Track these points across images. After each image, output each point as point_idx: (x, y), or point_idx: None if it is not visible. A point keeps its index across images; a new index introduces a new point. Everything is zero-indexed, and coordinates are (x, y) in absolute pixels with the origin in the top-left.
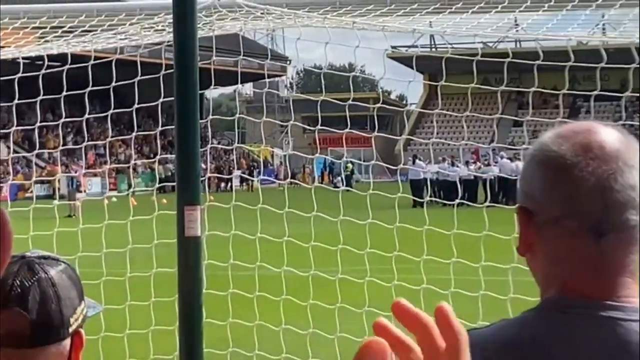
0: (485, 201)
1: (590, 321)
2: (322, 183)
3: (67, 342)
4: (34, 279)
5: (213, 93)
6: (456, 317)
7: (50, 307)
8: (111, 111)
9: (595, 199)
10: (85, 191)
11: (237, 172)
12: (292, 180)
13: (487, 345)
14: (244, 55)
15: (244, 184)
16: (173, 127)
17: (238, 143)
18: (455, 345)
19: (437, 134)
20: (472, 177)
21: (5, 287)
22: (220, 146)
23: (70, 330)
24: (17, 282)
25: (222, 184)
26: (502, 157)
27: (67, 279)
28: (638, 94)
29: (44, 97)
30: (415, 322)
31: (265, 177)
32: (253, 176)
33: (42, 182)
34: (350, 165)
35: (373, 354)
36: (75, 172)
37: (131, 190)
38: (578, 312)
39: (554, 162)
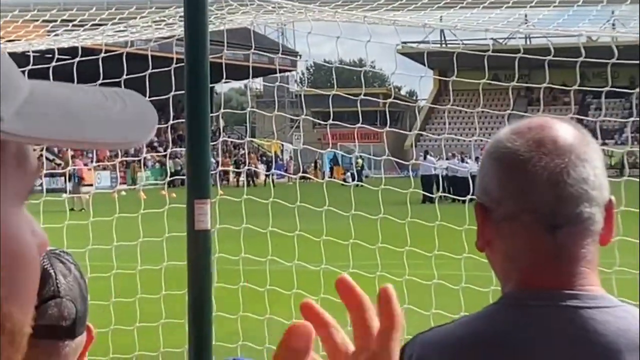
0: None
1: (549, 311)
2: (332, 178)
3: (84, 336)
4: (68, 271)
5: (223, 88)
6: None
7: (85, 299)
8: None
9: (548, 192)
10: (92, 184)
11: (260, 166)
12: (303, 174)
13: (450, 342)
14: (254, 50)
15: (256, 178)
16: (183, 120)
17: (248, 137)
18: (390, 327)
19: (447, 130)
20: None
21: (48, 278)
22: (230, 139)
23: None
24: (55, 274)
25: (237, 178)
26: None
27: (79, 273)
28: None
29: None
30: (356, 299)
31: (278, 171)
32: (265, 171)
33: (51, 175)
34: (360, 160)
35: (299, 336)
36: (75, 166)
37: (142, 184)
38: (537, 303)
39: (508, 157)
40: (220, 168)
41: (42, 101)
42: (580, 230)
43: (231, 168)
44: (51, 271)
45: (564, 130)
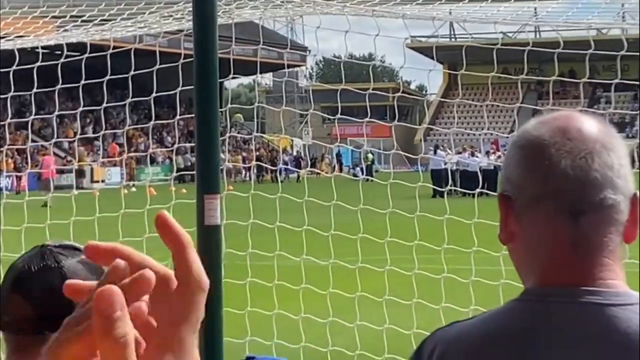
0: None
1: (571, 308)
2: (341, 172)
3: None
4: (42, 267)
5: (232, 84)
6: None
7: (56, 297)
8: (129, 99)
9: (571, 177)
10: (103, 180)
11: (285, 163)
12: (311, 169)
13: (471, 338)
14: (263, 45)
15: (265, 173)
16: (192, 116)
17: (257, 133)
18: (181, 248)
19: (457, 124)
20: (492, 167)
21: (15, 272)
22: (240, 135)
23: None
24: (26, 269)
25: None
26: None
27: (84, 268)
28: None
29: (63, 85)
30: (111, 253)
31: (288, 167)
32: (275, 166)
33: (61, 171)
34: (370, 155)
35: (104, 301)
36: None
37: (148, 180)
38: (558, 300)
39: (532, 143)
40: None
41: None
42: (603, 217)
43: (240, 164)
44: (20, 266)
45: (590, 121)
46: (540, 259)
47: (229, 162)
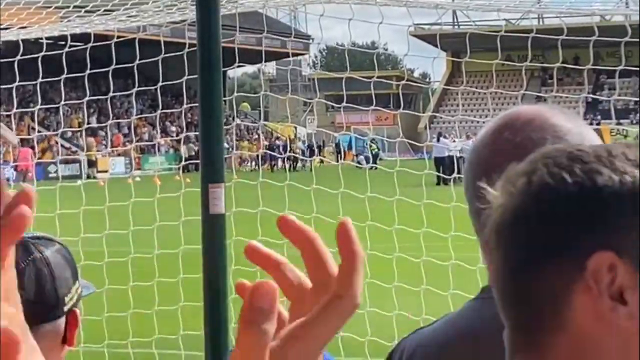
0: None
1: None
2: (345, 160)
3: (62, 320)
4: (29, 258)
5: (236, 72)
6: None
7: (45, 286)
8: (135, 89)
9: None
10: (107, 170)
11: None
12: (318, 156)
13: (436, 341)
14: (266, 34)
15: (271, 162)
16: (197, 104)
17: (262, 121)
18: (350, 269)
19: (461, 111)
20: None
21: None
22: (244, 123)
23: (65, 309)
24: (17, 263)
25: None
26: None
27: (62, 258)
28: None
29: (68, 75)
30: (299, 233)
31: (299, 155)
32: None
33: (66, 162)
34: (374, 144)
35: (263, 295)
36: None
37: (154, 169)
38: None
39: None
40: (235, 151)
41: None
42: None
43: (247, 152)
44: None
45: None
46: None
47: (238, 149)
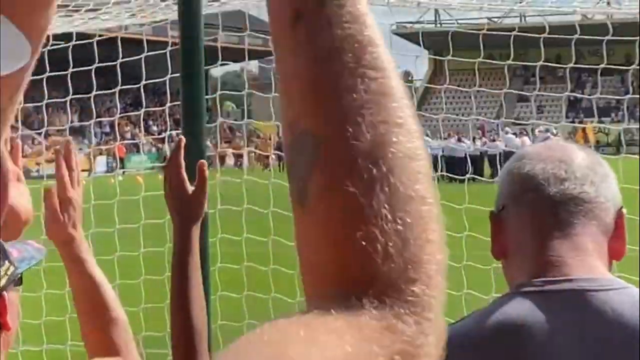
0: (492, 176)
1: (565, 296)
2: None
3: None
4: None
5: (218, 71)
6: None
7: None
8: (119, 87)
9: (552, 173)
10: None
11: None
12: None
13: (470, 336)
14: (249, 32)
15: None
16: (179, 103)
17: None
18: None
19: (444, 110)
20: (478, 153)
21: None
22: (228, 121)
23: None
24: None
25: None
26: (507, 133)
27: None
28: None
29: (50, 74)
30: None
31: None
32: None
33: (51, 160)
34: None
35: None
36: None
37: (136, 168)
38: (551, 288)
39: (516, 162)
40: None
41: None
42: (583, 210)
43: (231, 150)
44: None
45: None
46: (527, 254)
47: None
